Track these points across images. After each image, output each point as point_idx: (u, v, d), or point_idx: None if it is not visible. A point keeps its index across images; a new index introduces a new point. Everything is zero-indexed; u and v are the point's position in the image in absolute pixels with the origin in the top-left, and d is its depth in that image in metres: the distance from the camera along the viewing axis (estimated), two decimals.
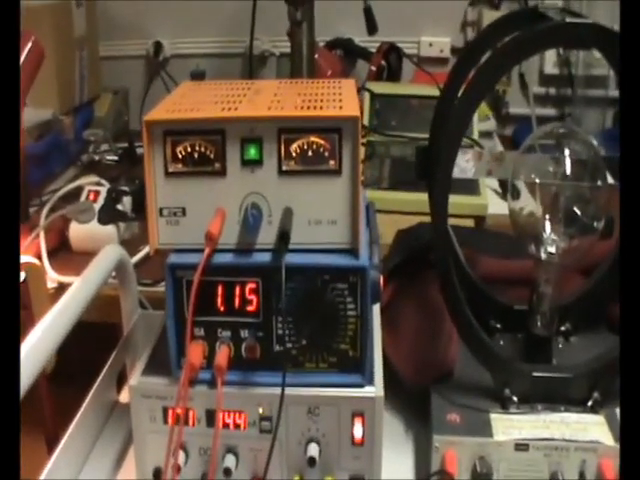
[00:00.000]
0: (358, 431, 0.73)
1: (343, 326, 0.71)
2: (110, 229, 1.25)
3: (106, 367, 0.89)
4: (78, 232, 1.26)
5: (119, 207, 1.25)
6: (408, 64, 1.85)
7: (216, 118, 0.69)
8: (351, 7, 1.72)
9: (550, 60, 2.00)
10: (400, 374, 0.87)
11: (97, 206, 1.26)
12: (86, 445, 0.87)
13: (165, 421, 0.75)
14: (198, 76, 1.76)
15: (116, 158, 1.58)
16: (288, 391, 0.72)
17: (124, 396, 0.94)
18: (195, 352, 0.72)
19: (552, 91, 2.03)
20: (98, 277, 0.84)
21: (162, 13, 1.97)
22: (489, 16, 1.92)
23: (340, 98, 0.73)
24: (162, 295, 1.13)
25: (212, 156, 0.69)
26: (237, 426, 0.74)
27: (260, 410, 0.73)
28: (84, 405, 0.84)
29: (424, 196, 0.89)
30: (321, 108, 0.70)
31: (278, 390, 0.72)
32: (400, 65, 1.85)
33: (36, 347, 0.69)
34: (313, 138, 0.68)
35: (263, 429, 0.74)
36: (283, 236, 0.66)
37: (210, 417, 0.74)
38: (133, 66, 1.98)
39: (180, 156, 0.69)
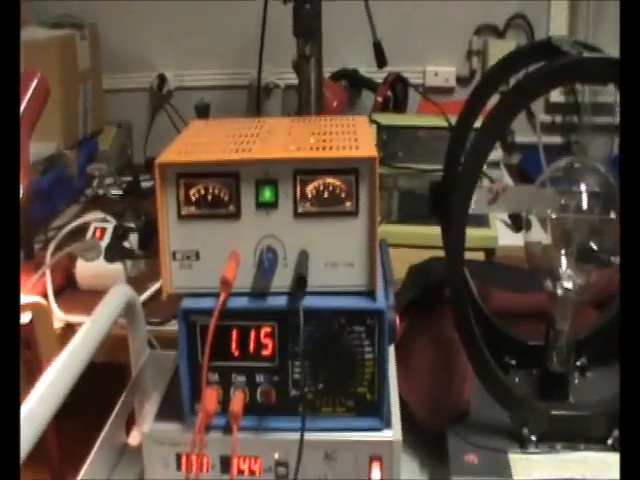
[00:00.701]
0: (376, 475, 0.72)
1: (360, 369, 0.71)
2: (117, 267, 1.24)
3: (116, 409, 0.88)
4: (85, 270, 1.25)
5: (126, 244, 1.25)
6: (414, 94, 1.86)
7: (231, 160, 0.69)
8: (357, 38, 1.73)
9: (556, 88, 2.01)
10: (415, 415, 0.86)
11: (103, 243, 1.25)
12: None
13: (179, 467, 0.74)
14: (203, 109, 1.76)
15: (120, 192, 1.58)
16: (304, 436, 0.72)
17: (133, 439, 0.93)
18: (210, 398, 0.71)
19: (558, 119, 2.03)
20: (108, 318, 0.83)
21: (166, 45, 1.97)
22: (495, 45, 1.93)
23: (355, 137, 0.73)
24: (171, 334, 1.13)
25: (226, 199, 0.69)
26: (252, 472, 0.73)
27: (276, 456, 0.73)
28: (94, 449, 0.82)
29: (435, 229, 0.89)
30: (337, 148, 0.70)
31: (294, 435, 0.71)
32: (406, 95, 1.85)
33: (49, 392, 0.68)
34: (329, 179, 0.68)
35: (279, 475, 0.73)
36: (300, 281, 0.66)
37: (225, 463, 0.73)
38: (137, 99, 1.98)
39: (193, 199, 0.69)
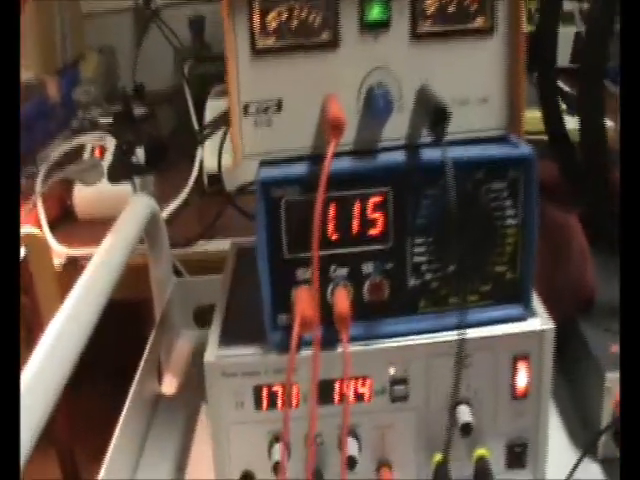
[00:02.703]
0: (522, 379, 0.58)
1: (500, 240, 0.56)
2: (124, 188, 1.03)
3: (146, 353, 0.70)
4: (84, 196, 1.04)
5: (133, 160, 1.05)
6: None
7: None
8: None
9: None
10: None
11: (105, 163, 1.05)
12: (134, 454, 0.69)
13: (258, 406, 0.58)
14: (198, 23, 1.52)
15: (111, 121, 1.35)
16: (427, 339, 0.57)
17: (167, 387, 0.75)
18: (306, 301, 0.55)
19: None
20: (131, 235, 0.67)
21: None
22: None
23: None
24: (200, 257, 0.96)
25: (318, 22, 0.51)
26: (359, 397, 0.58)
27: (391, 371, 0.57)
28: (127, 405, 0.65)
29: None
30: None
31: (415, 341, 0.57)
32: None
33: (61, 347, 0.51)
34: None
35: (396, 396, 0.58)
36: (441, 115, 0.50)
37: (323, 392, 0.57)
38: (121, 21, 1.69)
39: (272, 26, 0.51)
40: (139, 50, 1.48)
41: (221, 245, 0.97)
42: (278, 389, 0.57)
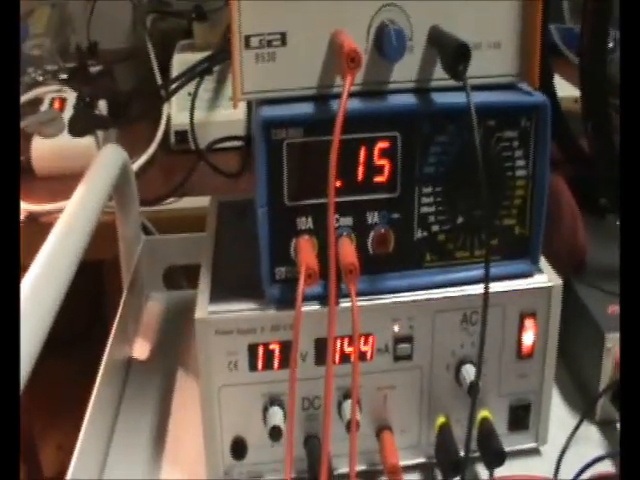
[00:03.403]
0: (528, 337, 0.57)
1: (509, 192, 0.55)
2: (87, 141, 0.98)
3: (117, 316, 0.67)
4: (43, 149, 0.98)
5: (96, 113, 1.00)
6: None
7: None
8: None
9: None
10: None
11: (65, 115, 1.00)
12: (110, 422, 0.66)
13: (253, 366, 0.55)
14: None
15: (65, 77, 1.28)
16: (434, 294, 0.56)
17: (139, 351, 0.72)
18: (309, 251, 0.52)
19: None
20: (103, 188, 0.63)
21: None
22: None
23: None
24: (170, 215, 0.92)
25: None
26: (361, 357, 0.56)
27: (396, 328, 0.56)
28: (101, 370, 0.61)
29: None
30: None
31: (420, 296, 0.55)
32: None
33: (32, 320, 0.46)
34: None
35: (399, 355, 0.56)
36: (463, 53, 0.48)
37: (321, 350, 0.55)
38: None
39: None
40: (94, 6, 1.42)
41: (191, 203, 0.95)
42: (275, 348, 0.55)
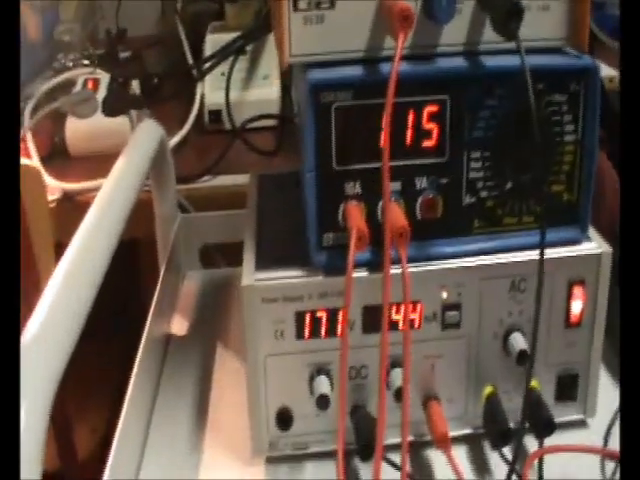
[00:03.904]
0: (576, 306, 0.57)
1: (558, 158, 0.55)
2: (120, 122, 0.99)
3: (156, 293, 0.68)
4: (77, 130, 1.00)
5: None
6: None
7: None
8: None
9: None
10: None
11: (99, 96, 1.01)
12: (151, 398, 0.67)
13: (300, 334, 0.56)
14: None
15: (95, 65, 1.30)
16: (482, 261, 0.56)
17: (178, 327, 0.73)
18: (358, 217, 0.53)
19: None
20: (141, 166, 0.63)
21: None
22: None
23: None
24: (205, 193, 0.94)
25: None
26: (409, 324, 0.56)
27: (444, 295, 0.56)
28: (141, 347, 0.62)
29: None
30: None
31: (469, 263, 0.55)
32: None
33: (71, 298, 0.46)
34: None
35: (448, 323, 0.57)
36: (515, 11, 0.48)
37: (369, 318, 0.56)
38: None
39: None
40: None
41: (227, 181, 0.96)
42: (322, 315, 0.55)
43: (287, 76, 1.08)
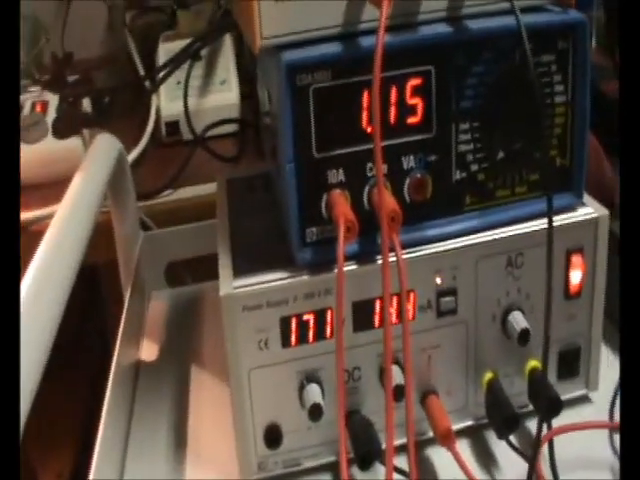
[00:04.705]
0: (576, 275, 0.55)
1: (549, 121, 0.53)
2: (73, 143, 0.93)
3: (123, 318, 0.62)
4: (27, 156, 0.89)
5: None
6: None
7: None
8: None
9: None
10: None
11: (49, 118, 0.96)
12: (124, 430, 0.62)
13: (286, 342, 0.52)
14: None
15: (39, 89, 1.20)
16: (475, 239, 0.53)
17: (147, 353, 0.68)
18: (344, 204, 0.49)
19: None
20: (101, 183, 0.58)
21: None
22: None
23: None
24: (167, 207, 0.88)
25: None
26: (402, 317, 0.53)
27: (438, 280, 0.53)
28: (111, 377, 0.57)
29: None
30: None
31: (462, 242, 0.53)
32: None
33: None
34: None
35: (443, 310, 0.54)
36: None
37: (360, 315, 0.52)
38: None
39: None
40: (66, 16, 1.35)
41: (190, 193, 0.92)
42: (309, 318, 0.52)
43: (247, 77, 1.06)
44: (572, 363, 0.58)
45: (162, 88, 1.04)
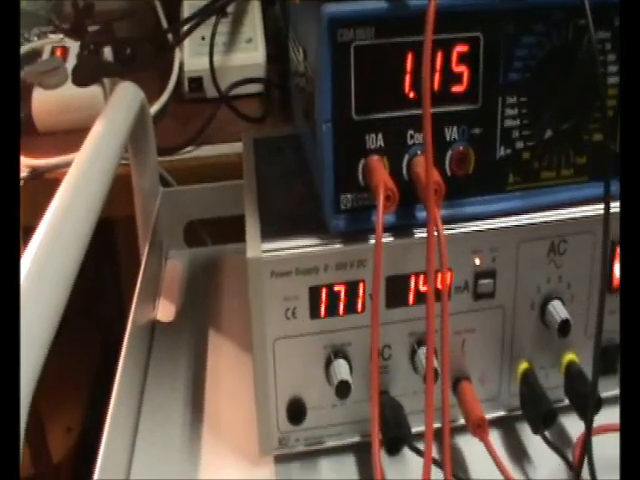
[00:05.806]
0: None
1: (601, 103, 0.51)
2: (93, 91, 0.91)
3: (139, 277, 0.62)
4: (45, 102, 0.91)
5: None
6: None
7: None
8: None
9: None
10: None
11: (69, 65, 0.94)
12: (138, 390, 0.61)
13: (315, 313, 0.51)
14: None
15: (61, 37, 1.21)
16: (518, 221, 0.52)
17: (163, 312, 0.67)
18: (383, 171, 0.48)
19: None
20: (122, 131, 0.57)
21: None
22: None
23: None
24: (188, 165, 0.88)
25: None
26: (437, 296, 0.52)
27: (476, 261, 0.52)
28: (127, 337, 0.56)
29: None
30: None
31: (504, 223, 0.51)
32: None
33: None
34: None
35: (480, 292, 0.52)
36: None
37: (393, 290, 0.51)
38: None
39: None
40: None
41: (212, 151, 0.90)
42: (340, 289, 0.50)
43: (274, 40, 1.04)
44: (612, 360, 0.56)
45: (186, 43, 1.02)
